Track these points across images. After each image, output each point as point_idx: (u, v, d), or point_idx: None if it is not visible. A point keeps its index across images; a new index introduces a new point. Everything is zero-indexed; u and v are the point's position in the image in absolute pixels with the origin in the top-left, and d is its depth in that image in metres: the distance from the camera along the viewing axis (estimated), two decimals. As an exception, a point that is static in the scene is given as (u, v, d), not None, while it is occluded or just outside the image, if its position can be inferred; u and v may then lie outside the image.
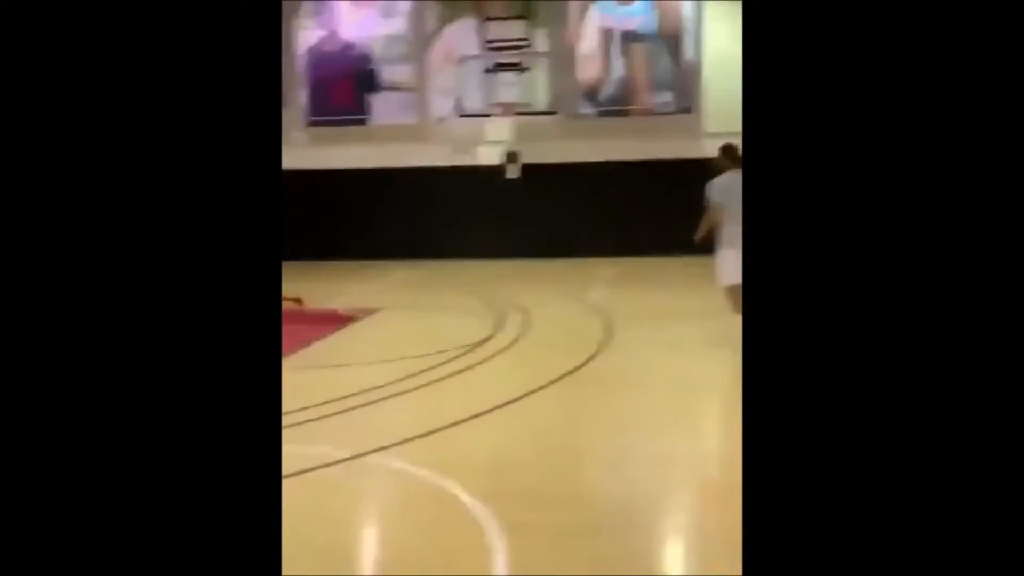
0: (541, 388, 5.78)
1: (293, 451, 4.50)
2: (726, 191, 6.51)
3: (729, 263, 6.41)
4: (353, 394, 5.65)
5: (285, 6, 15.56)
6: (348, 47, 15.65)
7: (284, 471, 4.18)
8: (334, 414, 5.25)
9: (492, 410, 5.27)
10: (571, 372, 6.23)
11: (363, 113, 15.72)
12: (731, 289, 6.62)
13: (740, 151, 6.40)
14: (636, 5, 14.35)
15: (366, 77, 15.63)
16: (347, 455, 4.41)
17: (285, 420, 5.07)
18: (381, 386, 5.88)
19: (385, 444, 4.54)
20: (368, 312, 9.54)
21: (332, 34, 15.66)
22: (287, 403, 5.41)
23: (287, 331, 8.48)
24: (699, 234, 7.04)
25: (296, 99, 15.85)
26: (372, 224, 15.59)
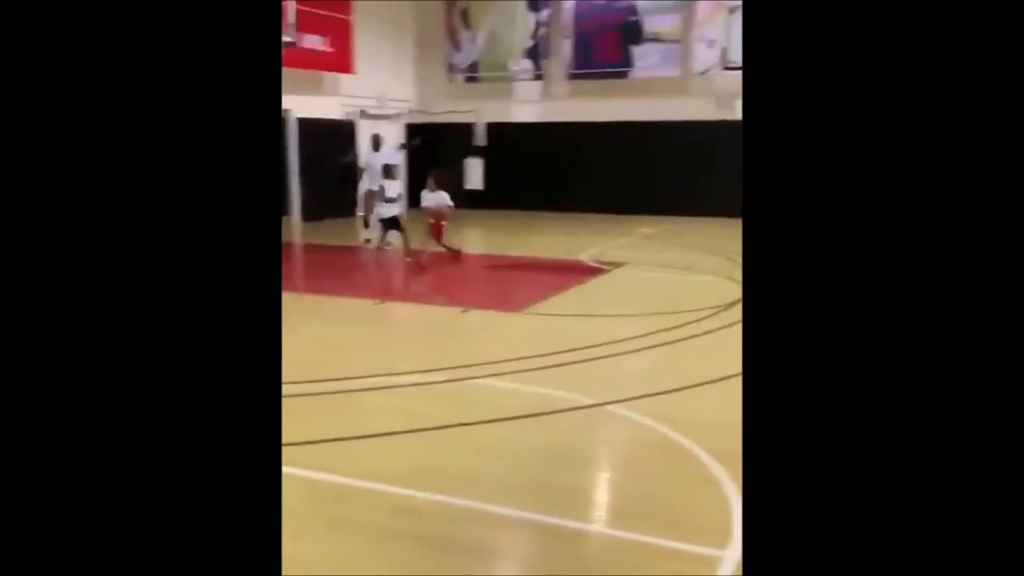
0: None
1: (542, 393, 4.73)
2: None
3: None
4: (601, 344, 5.77)
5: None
6: (615, -2, 15.57)
7: (533, 411, 4.45)
8: (581, 361, 5.40)
9: (736, 375, 5.12)
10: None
11: (626, 65, 15.63)
12: None
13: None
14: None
15: (630, 28, 15.48)
16: (592, 402, 4.54)
17: (536, 363, 5.33)
18: (628, 339, 5.93)
19: (630, 396, 4.60)
20: (615, 265, 9.62)
21: (600, -15, 15.65)
22: (538, 346, 5.70)
23: (536, 279, 8.81)
24: None
25: (560, 51, 16.13)
26: (625, 177, 15.59)
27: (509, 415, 4.32)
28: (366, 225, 10.81)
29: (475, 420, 4.24)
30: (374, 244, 10.73)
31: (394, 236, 10.07)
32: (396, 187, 10.03)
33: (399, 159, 11.20)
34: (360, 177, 11.31)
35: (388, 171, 10.15)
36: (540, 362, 5.35)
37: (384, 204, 9.88)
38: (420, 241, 9.95)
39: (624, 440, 4.23)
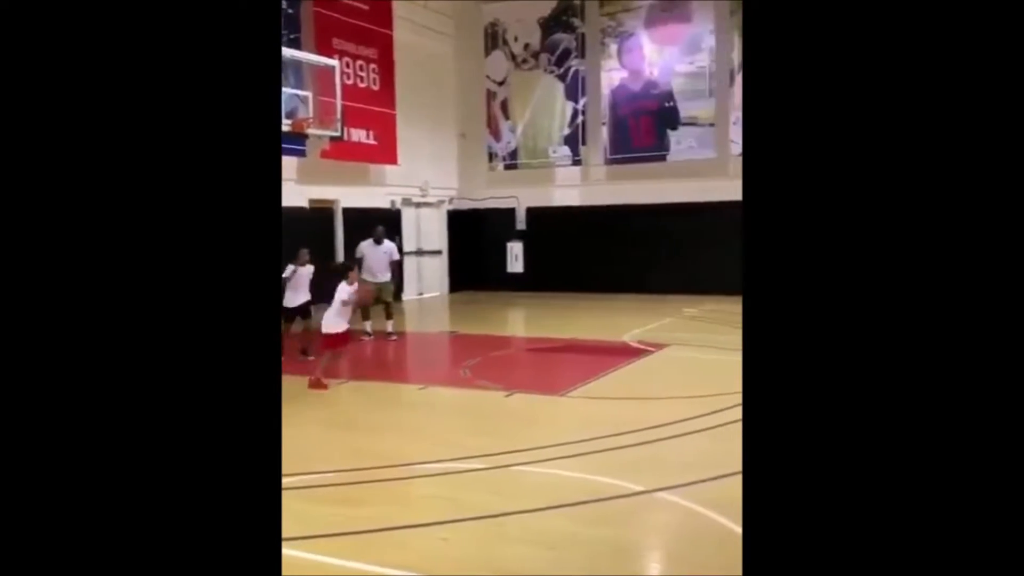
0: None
1: (590, 479, 4.66)
2: None
3: None
4: (647, 428, 5.70)
5: (592, 48, 16.34)
6: (650, 85, 15.98)
7: (581, 498, 4.38)
8: (629, 446, 5.33)
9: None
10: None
11: (662, 149, 15.91)
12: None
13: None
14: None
15: (667, 114, 15.82)
16: (641, 489, 4.45)
17: (582, 448, 5.27)
18: (675, 422, 5.85)
19: (679, 482, 4.51)
20: (659, 346, 9.56)
21: (635, 73, 16.10)
22: (584, 431, 5.65)
23: (579, 361, 8.68)
24: None
25: (598, 138, 16.51)
26: (665, 258, 15.64)
27: (557, 503, 4.26)
28: (365, 317, 10.81)
29: (523, 508, 4.18)
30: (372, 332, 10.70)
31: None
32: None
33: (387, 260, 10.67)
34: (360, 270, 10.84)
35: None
36: (587, 447, 5.29)
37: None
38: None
39: (677, 529, 4.12)
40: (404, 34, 15.49)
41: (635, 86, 16.08)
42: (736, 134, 15.19)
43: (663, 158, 15.84)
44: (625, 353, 9.25)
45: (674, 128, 15.75)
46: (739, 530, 3.81)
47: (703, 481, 4.54)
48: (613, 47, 16.22)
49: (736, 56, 15.10)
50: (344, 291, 7.83)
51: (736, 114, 15.20)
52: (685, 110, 15.65)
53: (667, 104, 15.78)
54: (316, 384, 7.38)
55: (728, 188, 15.06)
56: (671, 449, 5.37)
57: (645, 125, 15.99)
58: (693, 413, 6.10)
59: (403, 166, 15.43)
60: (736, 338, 9.79)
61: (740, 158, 15.15)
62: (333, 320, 7.60)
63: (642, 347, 9.58)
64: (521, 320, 14.24)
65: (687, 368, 8.64)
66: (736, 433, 5.61)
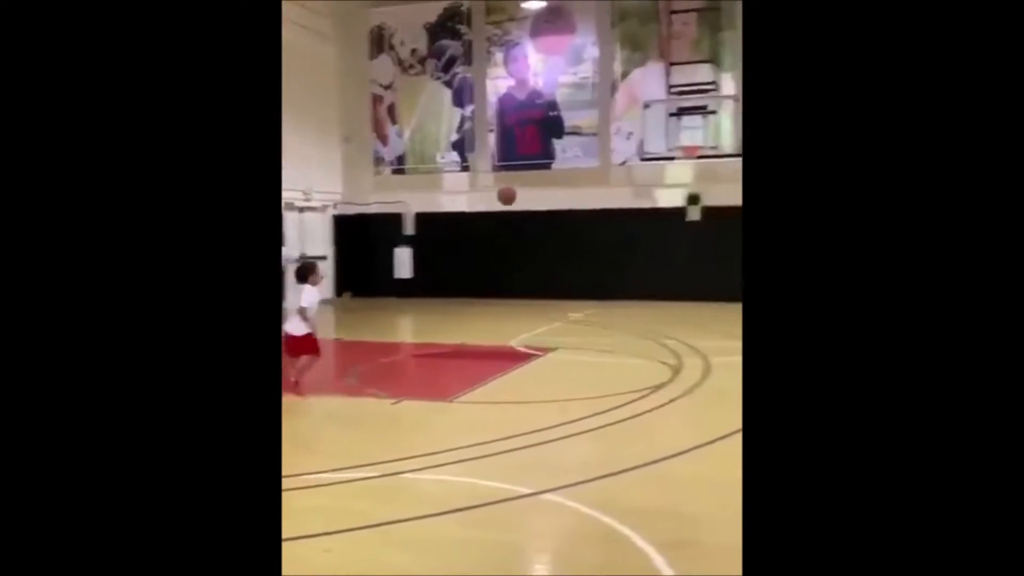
0: (719, 439, 5.63)
1: (478, 484, 4.69)
2: None
3: None
4: (534, 431, 5.79)
5: (478, 56, 16.46)
6: (535, 95, 16.26)
7: (468, 503, 4.40)
8: (516, 449, 5.40)
9: (668, 458, 5.20)
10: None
11: (547, 157, 16.21)
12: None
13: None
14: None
15: (551, 123, 16.13)
16: (528, 491, 4.53)
17: (469, 453, 5.29)
18: (560, 425, 5.98)
19: (565, 483, 4.61)
20: (545, 350, 9.73)
21: (521, 82, 16.34)
22: (472, 436, 5.68)
23: (466, 366, 8.62)
24: None
25: (485, 144, 16.64)
26: (551, 264, 15.93)
27: (444, 509, 4.27)
28: None
29: (410, 516, 4.17)
30: None
31: None
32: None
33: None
34: None
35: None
36: (475, 452, 5.32)
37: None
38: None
39: (561, 531, 4.21)
40: (285, 34, 15.09)
41: (521, 95, 16.32)
42: (618, 143, 15.68)
43: (548, 166, 16.15)
44: (512, 358, 9.36)
45: (559, 137, 16.09)
46: (622, 528, 3.95)
47: (587, 482, 4.66)
48: (499, 55, 16.40)
49: (618, 67, 15.60)
50: (310, 294, 7.13)
51: (617, 124, 15.69)
52: (569, 119, 16.02)
53: (551, 113, 16.10)
54: (295, 389, 7.15)
55: (610, 196, 15.53)
56: (556, 451, 5.49)
57: (531, 133, 16.26)
58: (577, 415, 6.24)
59: (285, 170, 14.99)
60: (616, 340, 10.06)
61: (620, 167, 15.66)
62: (296, 324, 7.11)
63: (529, 351, 9.72)
64: (409, 326, 14.15)
65: (572, 371, 8.83)
66: (617, 434, 5.84)
